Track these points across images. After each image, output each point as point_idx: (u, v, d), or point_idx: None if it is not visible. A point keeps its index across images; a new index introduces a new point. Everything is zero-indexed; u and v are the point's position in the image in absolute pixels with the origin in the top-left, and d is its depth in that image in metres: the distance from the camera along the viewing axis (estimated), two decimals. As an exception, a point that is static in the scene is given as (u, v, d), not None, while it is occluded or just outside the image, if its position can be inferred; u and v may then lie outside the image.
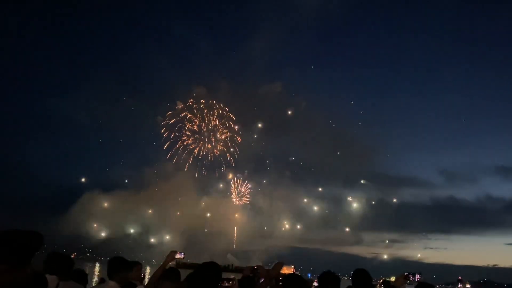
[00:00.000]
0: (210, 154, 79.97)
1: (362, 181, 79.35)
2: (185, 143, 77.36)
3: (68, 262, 4.75)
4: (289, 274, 4.44)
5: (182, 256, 5.07)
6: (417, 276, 4.98)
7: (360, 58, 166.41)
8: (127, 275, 4.99)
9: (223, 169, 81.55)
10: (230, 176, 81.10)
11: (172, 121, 77.48)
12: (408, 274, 4.97)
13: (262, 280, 4.61)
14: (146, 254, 76.66)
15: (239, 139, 77.15)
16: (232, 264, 70.27)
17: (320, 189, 76.91)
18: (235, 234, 77.69)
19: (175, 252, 5.10)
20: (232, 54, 75.30)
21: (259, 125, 76.09)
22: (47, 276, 4.35)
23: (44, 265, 4.64)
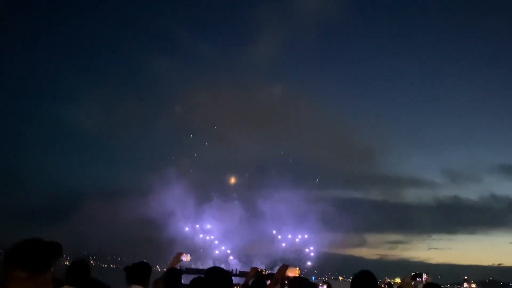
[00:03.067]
0: (210, 160, 79.88)
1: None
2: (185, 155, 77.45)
3: (86, 269, 4.77)
4: (296, 277, 4.41)
5: (188, 257, 5.04)
6: (424, 276, 4.98)
7: (361, 59, 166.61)
8: (149, 281, 4.99)
9: (226, 175, 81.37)
10: (233, 180, 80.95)
11: (170, 128, 77.34)
12: (415, 274, 4.96)
13: (268, 283, 4.61)
14: (150, 260, 76.73)
15: (238, 143, 76.75)
16: (236, 269, 69.96)
17: (322, 191, 76.60)
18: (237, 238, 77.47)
19: (181, 254, 5.07)
20: (233, 57, 75.42)
21: (259, 127, 75.86)
22: (66, 286, 4.37)
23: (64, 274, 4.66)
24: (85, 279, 4.74)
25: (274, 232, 74.92)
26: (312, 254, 75.28)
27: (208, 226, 78.72)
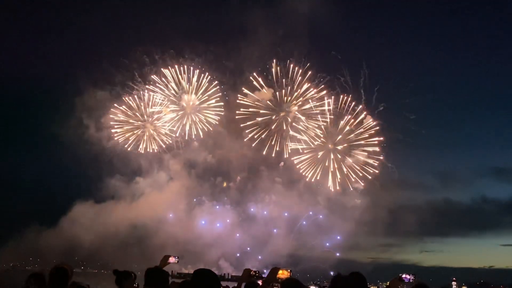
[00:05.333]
0: (201, 164, 79.83)
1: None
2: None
3: (64, 275, 4.84)
4: (287, 279, 4.41)
5: (176, 260, 5.03)
6: (411, 277, 5.03)
7: (352, 62, 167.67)
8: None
9: (218, 178, 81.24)
10: (225, 184, 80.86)
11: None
12: (401, 275, 5.02)
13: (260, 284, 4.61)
14: (140, 265, 76.25)
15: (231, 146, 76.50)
16: (228, 273, 69.64)
17: (313, 194, 76.74)
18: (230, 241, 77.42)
19: (169, 256, 5.05)
20: (223, 60, 75.20)
21: (249, 132, 75.74)
22: None
23: (50, 279, 4.75)
24: (64, 285, 4.83)
25: (275, 230, 75.21)
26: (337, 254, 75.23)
27: (202, 221, 78.89)
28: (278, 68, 72.02)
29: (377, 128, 72.56)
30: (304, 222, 76.70)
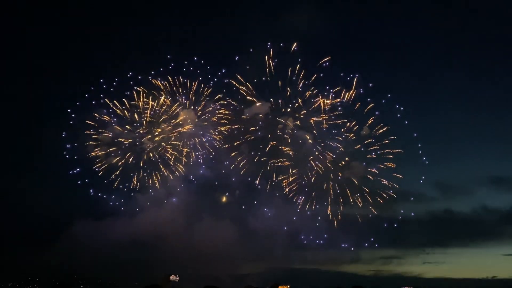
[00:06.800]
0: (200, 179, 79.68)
1: None
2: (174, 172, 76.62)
3: None
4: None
5: (177, 278, 5.04)
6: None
7: (347, 75, 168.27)
8: None
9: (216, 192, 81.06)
10: (224, 198, 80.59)
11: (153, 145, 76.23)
12: None
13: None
14: (141, 283, 75.36)
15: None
16: (229, 289, 69.06)
17: (314, 206, 76.31)
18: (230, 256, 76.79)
19: (169, 275, 5.06)
20: (220, 76, 75.42)
21: (247, 146, 75.66)
22: None
23: None
24: None
25: (276, 244, 74.40)
26: None
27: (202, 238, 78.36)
28: (274, 77, 72.58)
29: (393, 137, 64.05)
30: (308, 236, 76.31)
